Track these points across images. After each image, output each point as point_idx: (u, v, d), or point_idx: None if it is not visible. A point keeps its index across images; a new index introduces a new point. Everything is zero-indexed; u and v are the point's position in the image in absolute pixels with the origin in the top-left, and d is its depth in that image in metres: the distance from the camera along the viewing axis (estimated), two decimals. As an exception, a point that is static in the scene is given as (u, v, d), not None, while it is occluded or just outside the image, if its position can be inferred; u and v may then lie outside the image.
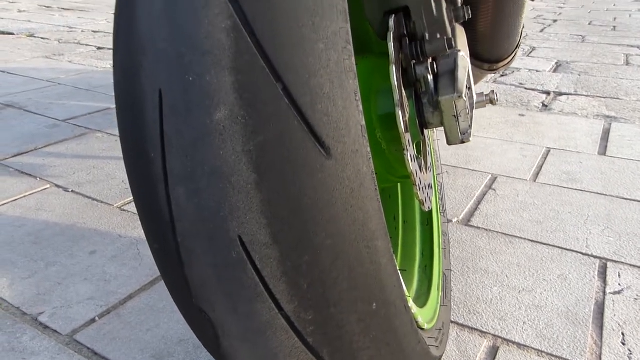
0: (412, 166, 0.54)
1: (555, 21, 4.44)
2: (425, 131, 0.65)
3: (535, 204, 1.22)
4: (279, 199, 0.34)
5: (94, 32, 3.73)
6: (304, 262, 0.36)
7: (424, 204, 0.58)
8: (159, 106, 0.34)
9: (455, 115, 0.58)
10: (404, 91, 0.55)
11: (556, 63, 2.81)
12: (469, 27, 0.77)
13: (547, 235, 1.10)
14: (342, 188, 0.36)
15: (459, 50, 0.61)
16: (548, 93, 2.24)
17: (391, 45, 0.53)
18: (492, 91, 0.70)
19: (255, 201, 0.34)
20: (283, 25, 0.34)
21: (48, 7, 5.27)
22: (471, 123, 0.61)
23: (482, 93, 0.70)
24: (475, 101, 0.66)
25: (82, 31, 3.76)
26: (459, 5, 0.60)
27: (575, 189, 1.30)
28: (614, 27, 4.10)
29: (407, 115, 0.56)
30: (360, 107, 0.37)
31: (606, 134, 1.71)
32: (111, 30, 3.75)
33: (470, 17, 0.60)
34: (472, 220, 1.16)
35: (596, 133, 1.72)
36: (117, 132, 1.70)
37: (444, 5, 0.57)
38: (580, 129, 1.76)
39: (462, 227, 1.13)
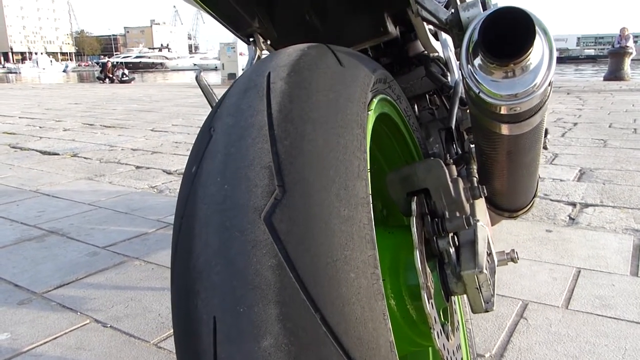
0: (439, 342, 0.57)
1: (575, 124, 4.54)
2: (451, 297, 0.69)
3: (570, 335, 1.21)
4: (317, 418, 0.38)
5: (133, 150, 3.97)
6: None
7: (453, 373, 0.61)
8: (213, 332, 0.39)
9: (477, 288, 0.62)
10: (428, 269, 0.59)
11: (579, 171, 2.85)
12: (486, 185, 0.83)
13: (584, 372, 1.08)
14: (375, 404, 0.39)
15: (478, 220, 0.66)
16: (574, 204, 2.26)
17: (414, 230, 0.58)
18: (513, 250, 0.74)
19: (297, 420, 0.38)
20: (319, 261, 0.39)
21: (91, 124, 5.66)
22: (494, 291, 0.64)
23: (503, 252, 0.74)
24: (496, 263, 0.70)
25: (122, 149, 4.00)
26: (475, 184, 0.66)
27: (610, 317, 1.28)
28: (635, 129, 4.18)
29: (432, 289, 0.60)
30: (389, 325, 0.41)
31: (637, 251, 1.70)
32: (148, 148, 3.99)
33: (486, 195, 0.66)
34: (505, 355, 1.15)
35: (626, 250, 1.71)
36: (153, 260, 1.77)
37: (461, 186, 0.63)
38: (609, 246, 1.76)
39: (495, 364, 1.12)
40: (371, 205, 0.44)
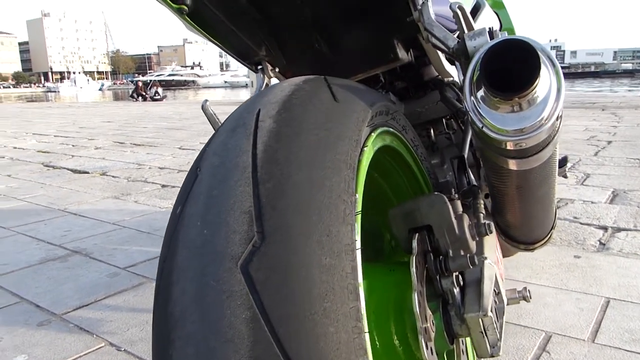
0: (441, 390, 0.54)
1: (609, 142, 4.40)
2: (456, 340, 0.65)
3: (595, 372, 1.15)
4: None
5: (160, 168, 4.03)
6: None
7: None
8: (186, 387, 0.37)
9: (482, 331, 0.58)
10: (429, 312, 0.56)
11: (612, 192, 2.75)
12: (499, 217, 0.79)
13: (610, 413, 1.01)
14: None
15: (485, 258, 0.63)
16: (605, 229, 2.17)
17: (413, 270, 0.55)
18: (525, 288, 0.70)
19: None
20: (297, 314, 0.37)
21: (121, 143, 5.78)
22: (501, 335, 0.61)
23: (515, 289, 0.71)
24: (506, 303, 0.67)
25: (150, 168, 4.07)
26: (482, 221, 0.63)
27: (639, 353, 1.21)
28: (672, 148, 4.02)
29: (433, 332, 0.57)
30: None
31: (671, 280, 1.62)
32: (175, 167, 4.04)
33: (492, 232, 0.63)
34: (526, 391, 1.09)
35: (659, 279, 1.63)
36: (172, 282, 1.77)
37: (466, 223, 0.60)
38: (641, 274, 1.67)
39: (515, 401, 1.06)
40: (357, 252, 0.42)
